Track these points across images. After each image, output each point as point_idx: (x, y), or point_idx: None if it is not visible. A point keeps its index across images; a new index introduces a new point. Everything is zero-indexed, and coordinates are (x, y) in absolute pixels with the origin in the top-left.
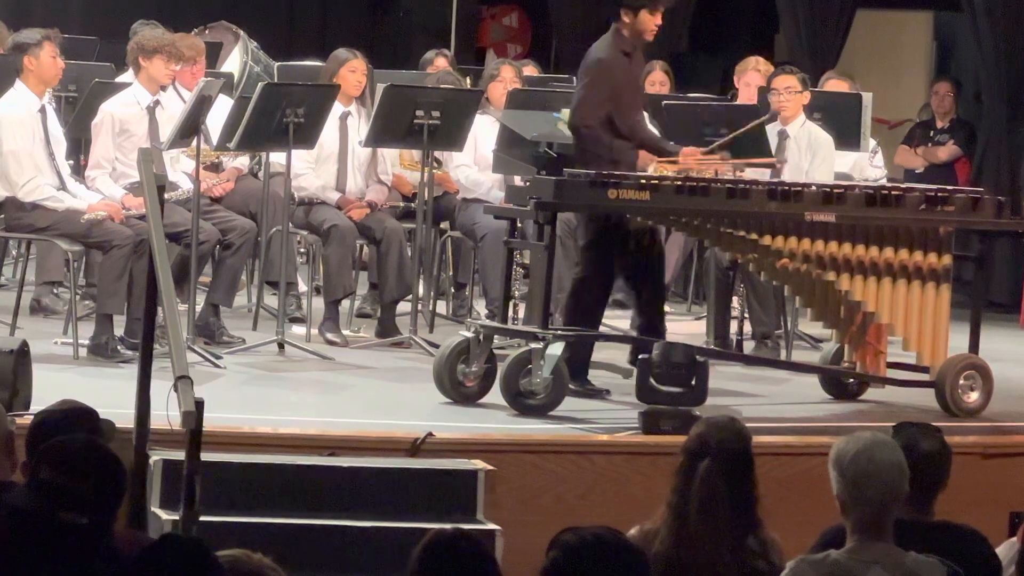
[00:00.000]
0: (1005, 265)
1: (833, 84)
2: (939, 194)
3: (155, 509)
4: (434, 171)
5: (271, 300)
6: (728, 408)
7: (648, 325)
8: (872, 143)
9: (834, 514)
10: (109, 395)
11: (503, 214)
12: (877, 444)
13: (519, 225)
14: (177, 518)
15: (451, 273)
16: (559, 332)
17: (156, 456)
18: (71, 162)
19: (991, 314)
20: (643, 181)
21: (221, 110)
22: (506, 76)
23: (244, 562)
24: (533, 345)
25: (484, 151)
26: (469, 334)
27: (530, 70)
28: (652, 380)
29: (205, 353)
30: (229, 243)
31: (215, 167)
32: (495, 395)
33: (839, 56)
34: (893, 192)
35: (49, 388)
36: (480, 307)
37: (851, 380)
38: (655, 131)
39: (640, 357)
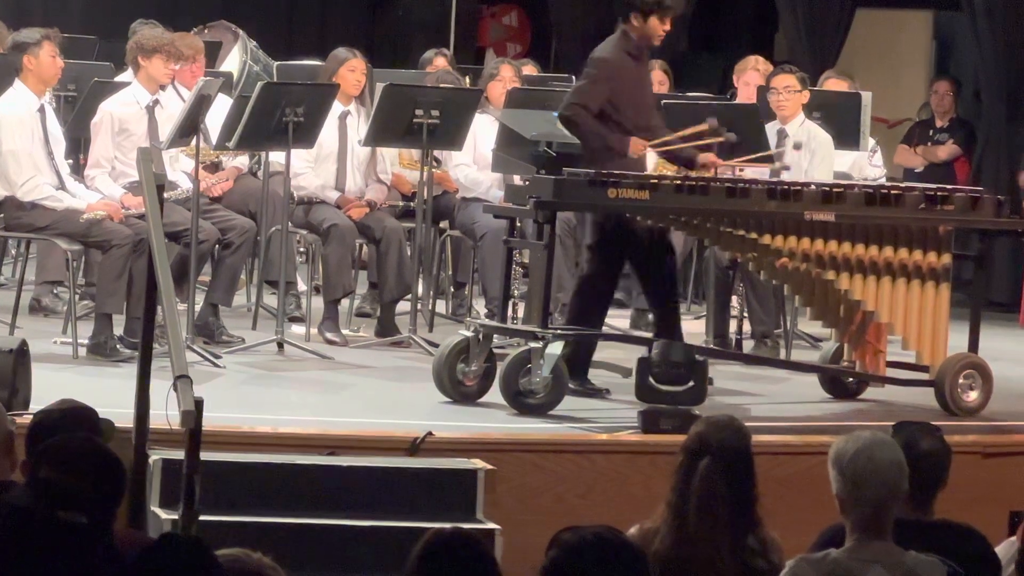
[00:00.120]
0: (1005, 264)
1: (832, 83)
2: (938, 193)
3: (154, 508)
4: (433, 170)
5: (270, 299)
6: (728, 407)
7: (663, 326)
8: (871, 142)
9: (833, 513)
10: (108, 394)
11: (502, 213)
12: (877, 443)
13: (518, 224)
14: (176, 517)
15: (450, 272)
16: (558, 331)
17: (155, 455)
18: (70, 161)
19: (991, 313)
20: (642, 180)
21: (220, 109)
22: (505, 75)
23: (244, 561)
24: (532, 344)
25: (483, 150)
26: (468, 333)
27: (529, 69)
28: (651, 379)
29: (204, 352)
30: (228, 242)
31: (214, 166)
32: (494, 394)
33: (839, 55)
34: (892, 191)
35: (48, 387)
36: (479, 306)
37: (850, 379)
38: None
39: (639, 357)
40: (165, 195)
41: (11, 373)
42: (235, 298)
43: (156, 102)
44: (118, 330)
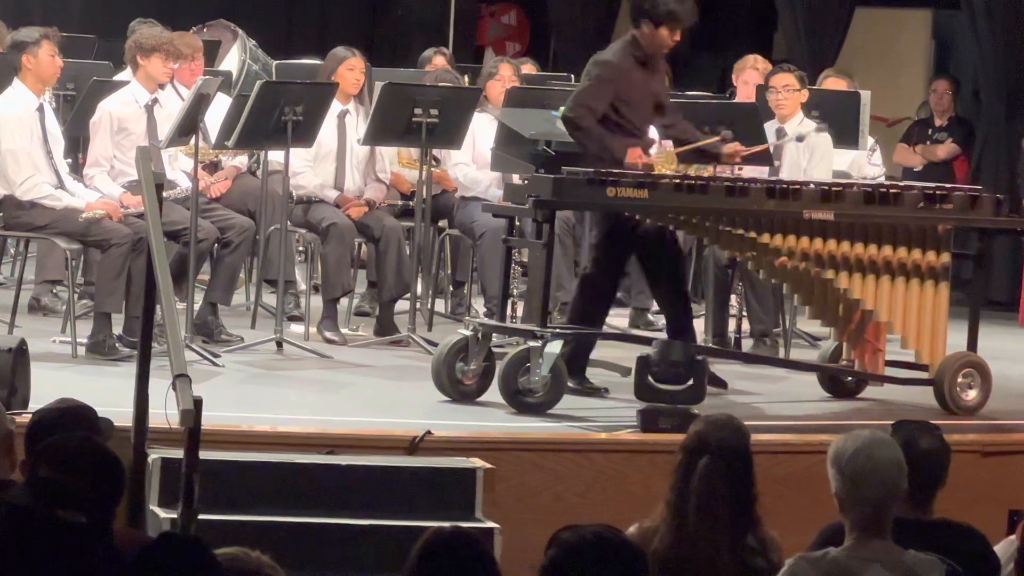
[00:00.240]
0: (1004, 263)
1: (831, 82)
2: (937, 192)
3: (154, 507)
4: (432, 169)
5: (269, 298)
6: (727, 406)
7: (675, 325)
8: (870, 141)
9: (833, 512)
10: (108, 393)
11: (501, 212)
12: (876, 442)
13: (517, 223)
14: (176, 516)
15: (449, 271)
16: (557, 330)
17: (155, 454)
18: (69, 160)
19: (990, 312)
20: (641, 179)
21: (219, 108)
22: (504, 74)
23: (243, 560)
24: (531, 343)
25: (482, 149)
26: (467, 332)
27: (528, 68)
28: (650, 378)
29: (203, 351)
30: (227, 241)
31: (213, 165)
32: (494, 393)
33: (838, 54)
34: (891, 190)
35: (48, 386)
36: (478, 305)
37: (850, 378)
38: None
39: (639, 356)
40: (164, 194)
41: (10, 372)
42: (234, 297)
43: (155, 101)
44: (117, 329)
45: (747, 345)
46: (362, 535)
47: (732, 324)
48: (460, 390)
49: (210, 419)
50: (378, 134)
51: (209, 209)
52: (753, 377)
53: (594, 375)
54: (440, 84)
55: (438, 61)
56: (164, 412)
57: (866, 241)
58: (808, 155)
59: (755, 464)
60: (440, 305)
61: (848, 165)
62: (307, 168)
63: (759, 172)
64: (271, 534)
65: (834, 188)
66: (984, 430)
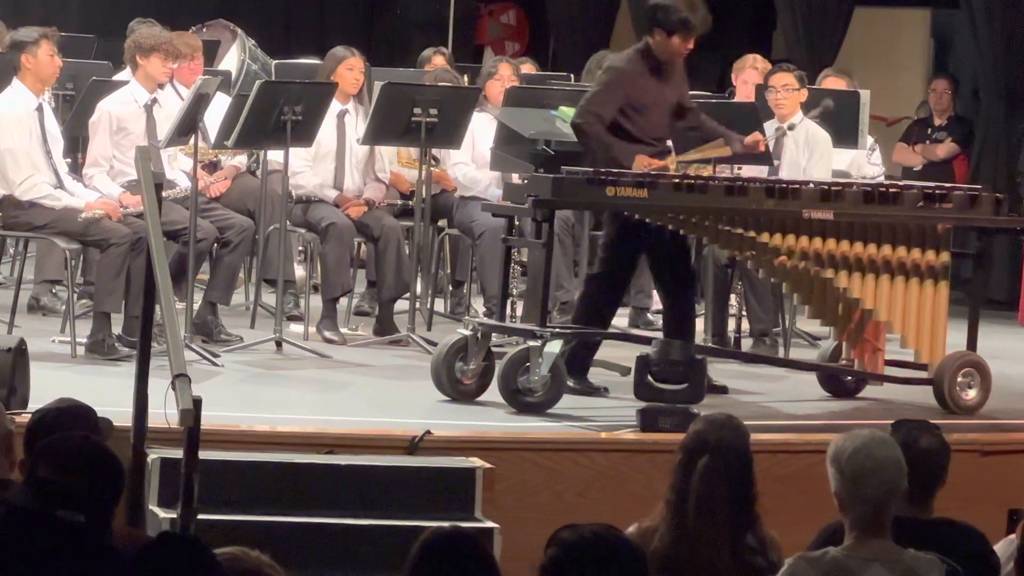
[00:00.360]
0: (1003, 262)
1: (831, 81)
2: (937, 191)
3: (153, 507)
4: (432, 169)
5: (269, 298)
6: (726, 405)
7: (675, 325)
8: (870, 140)
9: (832, 511)
10: (107, 393)
11: (501, 212)
12: (875, 441)
13: (517, 223)
14: (175, 516)
15: (449, 271)
16: (557, 330)
17: (154, 454)
18: (69, 160)
19: (989, 311)
20: (641, 179)
21: (219, 108)
22: (504, 74)
23: (242, 560)
24: (531, 343)
25: (482, 149)
26: (467, 332)
27: (528, 68)
28: (650, 378)
29: (203, 351)
30: (227, 241)
31: (213, 165)
32: (493, 393)
33: (837, 53)
34: (891, 189)
35: (47, 386)
36: (478, 305)
37: (849, 377)
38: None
39: (638, 355)
40: (163, 194)
41: (10, 372)
42: (233, 297)
43: (154, 101)
44: (116, 329)
45: (747, 344)
46: (361, 535)
47: (732, 323)
48: (459, 390)
49: (209, 419)
50: (377, 134)
51: (208, 209)
52: (753, 376)
53: (594, 374)
54: (439, 84)
55: (437, 61)
56: (163, 412)
57: (865, 240)
58: (808, 154)
59: (755, 463)
60: (439, 305)
61: (847, 164)
62: (306, 168)
63: (758, 171)
64: (271, 534)
65: (833, 187)
66: (984, 429)
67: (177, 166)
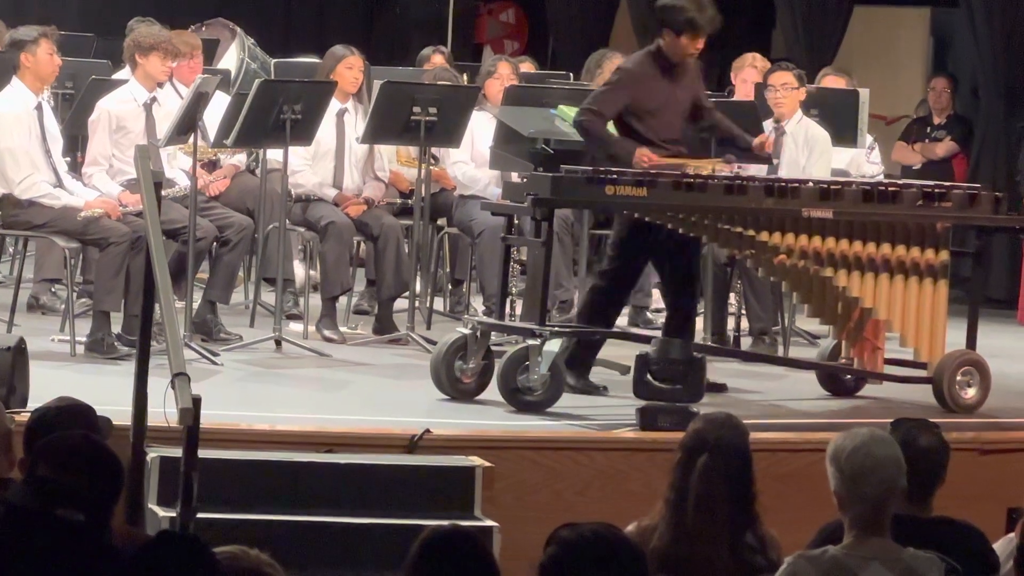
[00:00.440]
0: (1002, 261)
1: (830, 80)
2: (936, 190)
3: (152, 506)
4: (431, 168)
5: (268, 297)
6: (726, 404)
7: (675, 325)
8: (869, 139)
9: (832, 510)
10: (106, 392)
11: (500, 210)
12: (875, 440)
13: (516, 222)
14: (174, 515)
15: (448, 270)
16: (556, 328)
17: (153, 453)
18: (68, 159)
19: (988, 310)
20: (640, 177)
21: (218, 107)
22: (503, 72)
23: (242, 559)
24: (530, 341)
25: (481, 148)
26: (466, 331)
27: (527, 66)
28: (650, 376)
29: (202, 350)
30: (226, 240)
31: (212, 164)
32: (492, 392)
33: (836, 52)
34: (890, 188)
35: (46, 385)
36: (477, 304)
37: (848, 376)
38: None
39: (638, 354)
40: (163, 192)
41: (9, 371)
42: (233, 295)
43: (154, 99)
44: (116, 328)
45: (746, 343)
46: (361, 533)
47: (731, 322)
48: (459, 388)
49: (209, 417)
50: (377, 132)
51: (208, 207)
52: (752, 375)
53: (593, 373)
54: (439, 82)
55: (437, 59)
56: (163, 410)
57: (865, 239)
58: (807, 153)
59: (754, 462)
60: (439, 303)
61: (847, 163)
62: (306, 166)
63: (758, 170)
64: (270, 532)
65: (833, 186)
66: (983, 428)
67: (176, 165)
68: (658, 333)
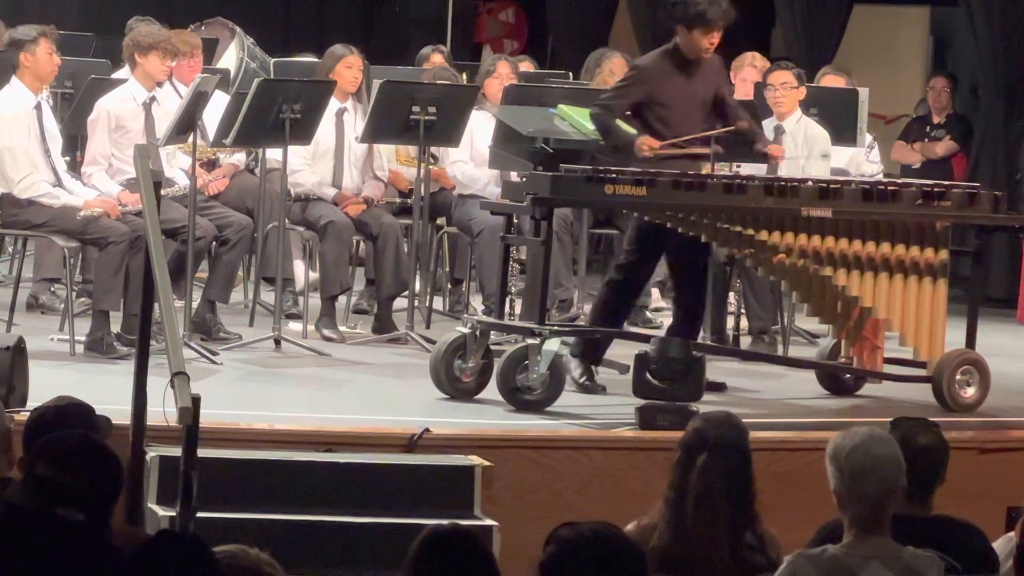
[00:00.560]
0: (1002, 260)
1: (829, 79)
2: (936, 189)
3: (152, 505)
4: (430, 167)
5: (267, 296)
6: (725, 403)
7: (680, 326)
8: (868, 138)
9: (831, 509)
10: (106, 391)
11: (499, 210)
12: (874, 439)
13: (515, 221)
14: (174, 514)
15: (447, 269)
16: (555, 327)
17: (153, 452)
18: (67, 158)
19: (988, 309)
20: (640, 177)
21: (217, 106)
22: (502, 72)
23: (241, 558)
24: (530, 341)
25: (480, 147)
26: (466, 330)
27: (526, 66)
28: (649, 375)
29: (201, 349)
30: (225, 239)
31: (211, 163)
32: (492, 391)
33: (836, 51)
34: (889, 187)
35: (46, 384)
36: (476, 303)
37: (848, 375)
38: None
39: (637, 353)
40: (162, 192)
41: (8, 370)
42: (232, 295)
43: (153, 99)
44: (115, 327)
45: (745, 342)
46: (360, 533)
47: (730, 321)
48: (458, 388)
49: (208, 417)
50: (376, 132)
51: (207, 207)
52: (751, 374)
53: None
54: (438, 82)
55: (436, 59)
56: (162, 410)
57: (864, 238)
58: (806, 152)
59: (753, 461)
60: (438, 303)
61: (846, 162)
62: (305, 166)
63: (757, 169)
64: (269, 532)
65: (832, 185)
66: (982, 427)
67: (176, 164)
68: (657, 332)
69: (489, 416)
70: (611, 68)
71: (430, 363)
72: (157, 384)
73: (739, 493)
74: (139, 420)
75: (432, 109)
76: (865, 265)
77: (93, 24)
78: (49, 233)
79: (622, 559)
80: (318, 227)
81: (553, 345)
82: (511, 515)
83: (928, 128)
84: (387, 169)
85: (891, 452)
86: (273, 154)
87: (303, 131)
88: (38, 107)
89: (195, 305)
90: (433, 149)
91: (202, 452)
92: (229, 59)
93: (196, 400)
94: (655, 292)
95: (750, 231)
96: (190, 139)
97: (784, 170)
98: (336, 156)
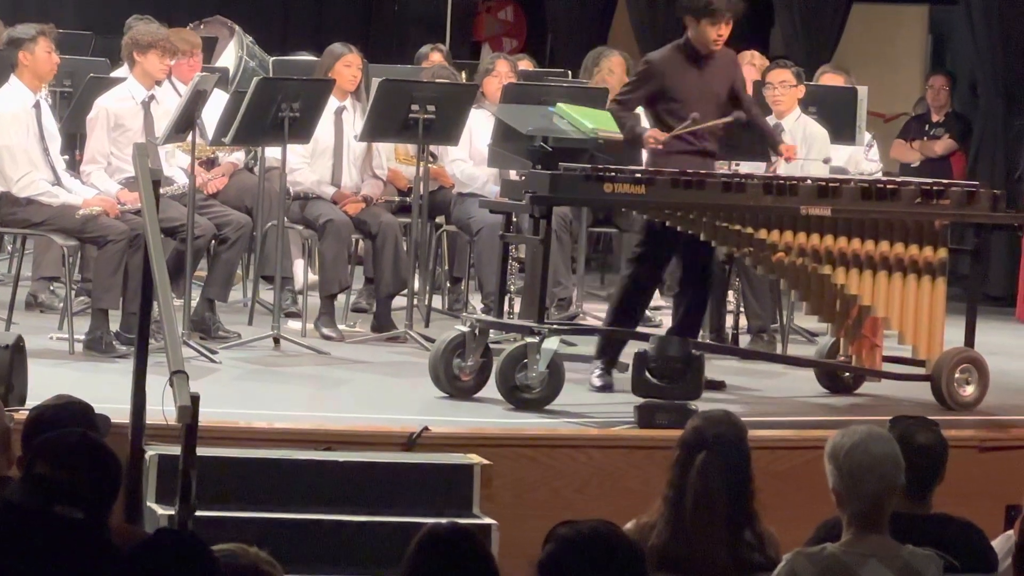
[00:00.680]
0: (1001, 258)
1: (828, 78)
2: (934, 188)
3: (151, 504)
4: (429, 165)
5: (266, 295)
6: (724, 402)
7: (682, 325)
8: (867, 137)
9: (830, 507)
10: (105, 390)
11: (498, 208)
12: (873, 437)
13: (514, 219)
14: (173, 513)
15: (446, 267)
16: (555, 326)
17: (152, 451)
18: (66, 157)
19: (987, 307)
20: (639, 175)
21: (216, 105)
22: (501, 70)
23: (240, 556)
24: (529, 339)
25: (479, 145)
26: (465, 328)
27: (525, 64)
28: (648, 374)
29: (200, 348)
30: (224, 238)
31: (211, 162)
32: (491, 389)
33: (835, 50)
34: (888, 186)
35: (45, 383)
36: (476, 301)
37: (847, 374)
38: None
39: (636, 352)
40: (161, 190)
41: (7, 369)
42: (231, 293)
43: (152, 98)
44: (114, 326)
45: (744, 341)
46: (359, 531)
47: (730, 320)
48: (457, 386)
49: (207, 415)
50: (375, 130)
51: (206, 205)
52: (750, 373)
53: (590, 371)
54: (437, 80)
55: (435, 57)
56: (161, 408)
57: (863, 237)
58: (805, 151)
59: (752, 459)
60: (437, 301)
61: (845, 161)
62: (304, 164)
63: (756, 168)
64: (268, 530)
65: (831, 184)
66: (981, 426)
67: (175, 163)
68: (656, 331)
69: (488, 415)
70: (610, 66)
71: (429, 362)
72: (156, 383)
73: (738, 491)
74: (138, 419)
75: (431, 107)
76: (864, 263)
77: (92, 23)
78: (48, 232)
79: (621, 558)
80: (317, 226)
81: (552, 344)
82: (510, 514)
83: (927, 126)
84: (386, 168)
85: (890, 450)
86: (272, 153)
87: (302, 130)
88: (37, 106)
89: (194, 304)
90: (432, 148)
91: (201, 451)
92: (228, 58)
93: (195, 399)
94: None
95: (749, 229)
96: (189, 138)
97: (783, 169)
98: (335, 155)
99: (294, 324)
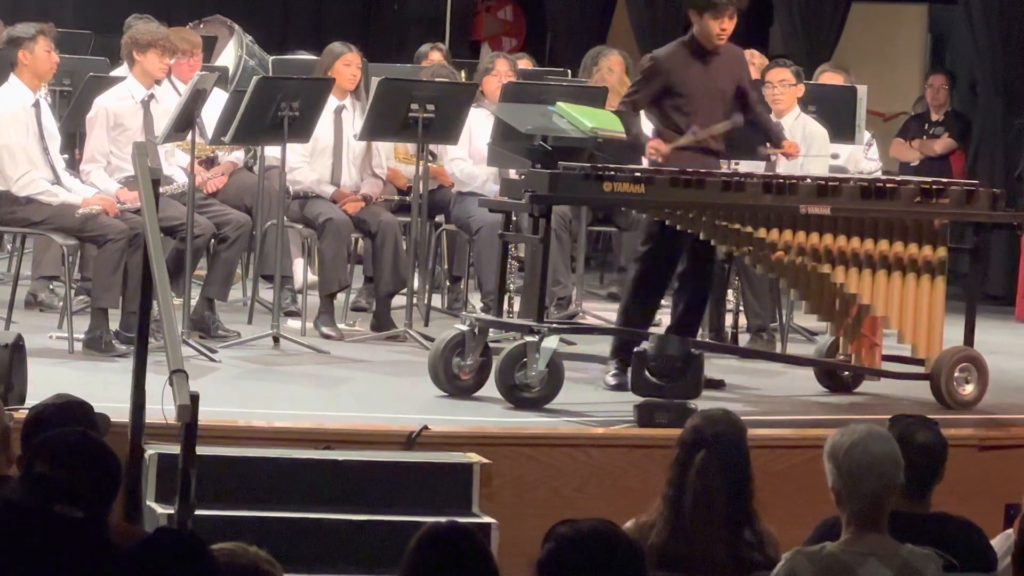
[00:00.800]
0: (1000, 257)
1: (828, 77)
2: (934, 187)
3: (150, 503)
4: (429, 164)
5: (266, 294)
6: (723, 401)
7: (680, 324)
8: (867, 136)
9: (830, 506)
10: (104, 389)
11: (498, 207)
12: (872, 436)
13: (514, 218)
14: (172, 512)
15: (446, 266)
16: (554, 325)
17: (151, 450)
18: (66, 156)
19: (986, 306)
20: (638, 174)
21: (216, 104)
22: (501, 69)
23: (239, 556)
24: (528, 338)
25: (479, 144)
26: (464, 327)
27: (525, 63)
28: (647, 373)
29: (200, 347)
30: (224, 237)
31: (210, 161)
32: (490, 388)
33: (834, 49)
34: (888, 185)
35: (44, 382)
36: (475, 300)
37: (846, 373)
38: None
39: (635, 350)
40: (160, 190)
41: (7, 368)
42: (231, 293)
43: (151, 97)
44: (114, 325)
45: (744, 340)
46: (359, 530)
47: (729, 319)
48: (457, 385)
49: (207, 414)
50: (375, 129)
51: (205, 205)
52: (750, 372)
53: (591, 369)
54: (436, 79)
55: (434, 56)
56: (161, 408)
57: (863, 236)
58: (804, 150)
59: (752, 458)
60: (437, 300)
61: (845, 160)
62: (304, 163)
63: (756, 167)
64: (268, 529)
65: (831, 183)
66: (981, 424)
67: (174, 162)
68: (655, 330)
69: (488, 413)
70: (609, 65)
71: (429, 361)
72: (156, 382)
73: (737, 490)
74: (138, 418)
75: (431, 107)
76: (863, 262)
77: (91, 22)
78: (48, 231)
79: (620, 556)
80: (317, 225)
81: (551, 343)
82: (510, 512)
83: (926, 125)
84: (386, 167)
85: (889, 449)
86: (272, 152)
87: (302, 129)
88: (36, 105)
89: (194, 303)
90: (432, 147)
91: (200, 450)
92: (228, 57)
93: (195, 398)
94: None
95: (748, 228)
96: (188, 137)
97: (782, 167)
98: (335, 154)
99: (294, 323)
